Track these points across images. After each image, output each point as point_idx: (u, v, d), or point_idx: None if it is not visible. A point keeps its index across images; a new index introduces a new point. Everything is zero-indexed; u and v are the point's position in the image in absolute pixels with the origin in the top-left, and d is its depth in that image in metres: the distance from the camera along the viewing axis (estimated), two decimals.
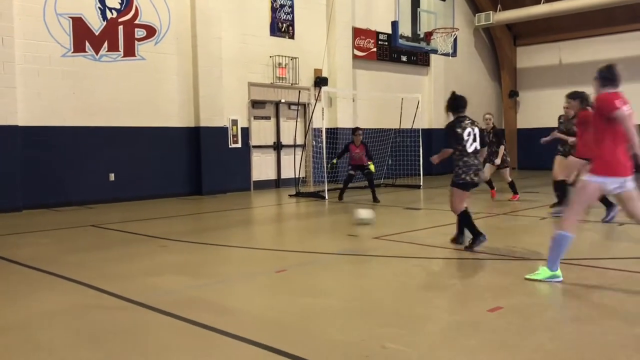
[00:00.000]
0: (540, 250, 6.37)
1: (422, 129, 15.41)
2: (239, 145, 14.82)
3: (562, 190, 9.15)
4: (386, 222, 9.29)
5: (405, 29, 14.24)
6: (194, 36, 13.68)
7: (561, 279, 5.13)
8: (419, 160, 15.03)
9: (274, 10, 15.48)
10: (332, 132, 16.00)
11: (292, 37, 15.89)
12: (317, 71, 16.34)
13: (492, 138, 11.51)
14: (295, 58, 15.78)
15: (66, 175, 11.81)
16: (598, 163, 4.96)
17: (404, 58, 18.87)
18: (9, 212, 10.75)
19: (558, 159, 9.50)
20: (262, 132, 15.56)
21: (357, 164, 12.13)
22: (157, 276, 5.73)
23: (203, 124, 13.81)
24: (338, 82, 16.61)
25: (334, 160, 12.89)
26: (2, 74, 10.89)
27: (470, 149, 6.66)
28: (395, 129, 16.37)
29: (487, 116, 11.91)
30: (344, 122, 16.87)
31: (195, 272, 6.00)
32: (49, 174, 11.58)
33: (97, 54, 12.27)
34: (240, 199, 13.15)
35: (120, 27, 12.60)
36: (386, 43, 18.02)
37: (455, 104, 6.87)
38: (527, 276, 5.27)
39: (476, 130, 6.74)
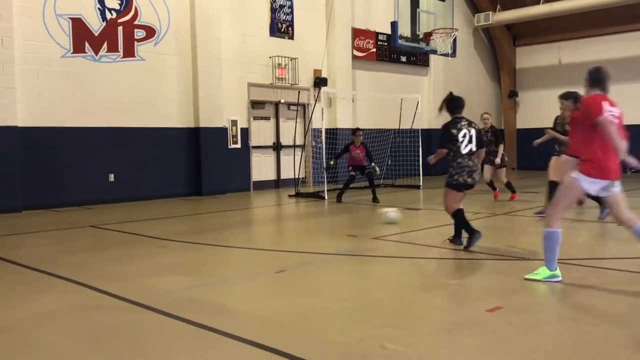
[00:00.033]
0: (539, 250, 6.34)
1: (422, 129, 15.45)
2: (238, 145, 14.83)
3: (553, 191, 9.06)
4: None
5: (404, 30, 14.26)
6: (193, 37, 13.69)
7: (560, 278, 5.14)
8: (418, 161, 15.05)
9: (273, 10, 15.49)
10: (332, 133, 15.99)
11: (291, 37, 15.90)
12: (317, 72, 16.35)
13: (490, 137, 11.52)
14: (295, 58, 15.79)
15: (66, 176, 11.81)
16: (587, 164, 4.98)
17: (403, 58, 18.88)
18: (9, 213, 10.75)
19: (554, 159, 9.44)
20: (261, 133, 15.56)
21: (357, 164, 12.13)
22: (156, 277, 5.73)
23: (203, 124, 13.82)
24: (337, 83, 16.63)
25: (331, 161, 12.89)
26: (2, 75, 10.89)
27: (464, 151, 6.67)
28: (394, 129, 16.38)
29: (485, 116, 11.92)
30: (344, 122, 16.88)
31: (195, 272, 6.00)
32: (49, 174, 11.58)
33: (96, 54, 12.28)
34: (239, 200, 13.15)
35: (120, 28, 12.61)
36: (385, 43, 18.03)
37: (452, 105, 6.89)
38: (527, 276, 5.27)
39: (473, 132, 6.73)
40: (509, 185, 11.70)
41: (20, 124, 11.15)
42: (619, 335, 3.87)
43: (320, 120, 13.20)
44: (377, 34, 18.02)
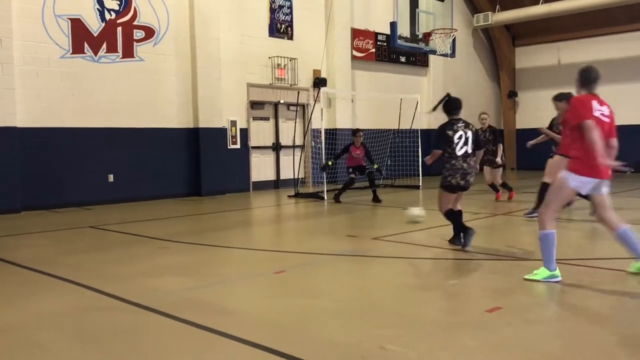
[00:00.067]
0: (538, 250, 6.35)
1: (421, 130, 15.45)
2: (238, 146, 14.82)
3: (544, 192, 9.01)
4: (385, 223, 9.29)
5: (403, 30, 14.26)
6: (192, 37, 13.69)
7: (560, 278, 5.14)
8: (417, 161, 15.05)
9: (272, 11, 15.49)
10: (331, 133, 15.99)
11: (290, 38, 15.90)
12: (316, 72, 16.35)
13: (488, 136, 11.54)
14: (294, 59, 15.79)
15: (65, 177, 11.80)
16: (577, 162, 4.99)
17: (402, 59, 18.89)
18: (8, 214, 10.74)
19: (550, 161, 9.38)
20: (261, 133, 15.56)
21: (357, 165, 12.13)
22: (156, 277, 5.73)
23: (202, 125, 13.81)
24: (337, 83, 16.63)
25: (330, 162, 12.88)
26: (1, 76, 10.88)
27: (459, 152, 6.67)
28: (394, 129, 16.38)
29: (483, 116, 11.95)
30: (343, 122, 16.88)
31: (195, 273, 6.00)
32: (48, 175, 11.58)
33: (95, 55, 12.28)
34: (239, 200, 13.15)
35: (119, 29, 12.60)
36: (385, 44, 18.03)
37: (449, 106, 6.88)
38: (526, 276, 5.28)
39: (469, 133, 6.72)
40: (505, 186, 11.78)
41: (19, 125, 11.15)
42: (620, 335, 3.87)
43: (320, 121, 13.21)
44: (377, 34, 18.02)
